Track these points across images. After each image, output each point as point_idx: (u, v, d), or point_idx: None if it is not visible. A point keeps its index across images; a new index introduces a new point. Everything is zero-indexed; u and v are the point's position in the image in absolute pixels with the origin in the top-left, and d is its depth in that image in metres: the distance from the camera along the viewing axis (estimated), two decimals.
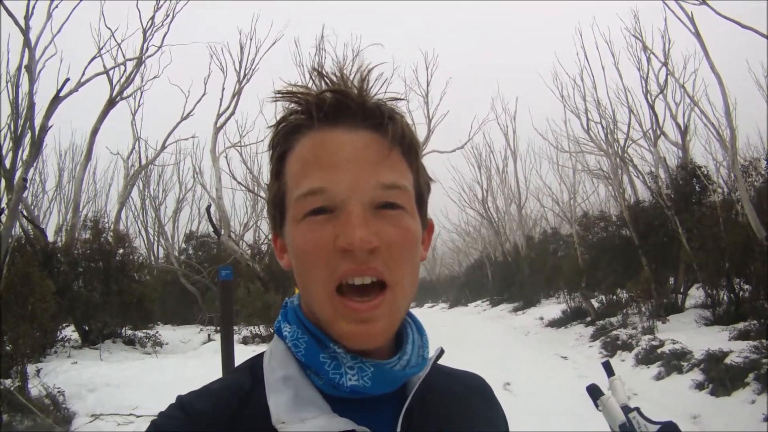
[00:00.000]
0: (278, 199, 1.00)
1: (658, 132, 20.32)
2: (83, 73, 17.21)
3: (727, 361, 9.81)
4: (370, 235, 0.88)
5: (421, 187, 1.03)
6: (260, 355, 1.03)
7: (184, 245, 32.15)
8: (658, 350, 12.26)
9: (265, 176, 25.21)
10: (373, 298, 0.90)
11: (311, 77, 1.00)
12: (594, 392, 1.48)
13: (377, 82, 0.99)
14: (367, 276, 0.90)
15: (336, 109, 0.95)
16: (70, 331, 16.65)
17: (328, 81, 0.97)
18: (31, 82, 14.69)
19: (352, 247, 0.87)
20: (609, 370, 1.58)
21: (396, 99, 1.00)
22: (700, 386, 9.83)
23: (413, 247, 0.96)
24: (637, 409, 1.34)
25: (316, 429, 0.87)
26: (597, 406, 1.45)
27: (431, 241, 1.11)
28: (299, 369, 0.95)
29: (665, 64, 18.88)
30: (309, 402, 0.91)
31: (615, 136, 22.04)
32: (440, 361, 1.12)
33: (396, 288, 0.92)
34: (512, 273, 35.99)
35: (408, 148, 0.98)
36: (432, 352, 1.07)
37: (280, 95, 1.00)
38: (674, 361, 11.28)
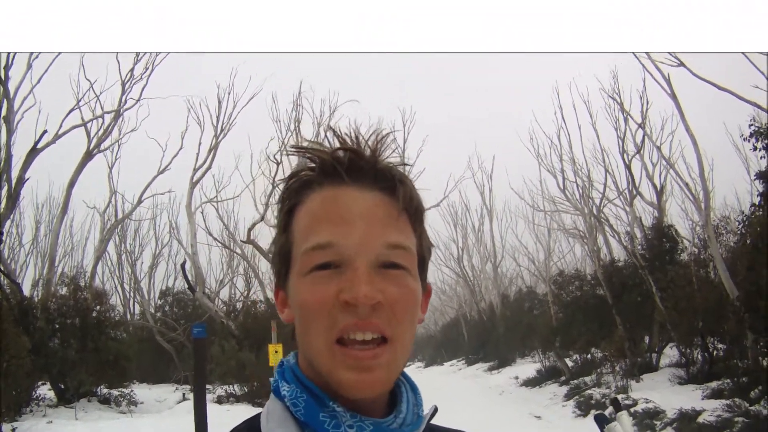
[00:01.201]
0: (284, 252, 0.99)
1: (634, 192, 20.44)
2: (60, 125, 17.32)
3: (700, 419, 9.78)
4: (374, 291, 0.88)
5: (424, 250, 1.01)
6: (257, 417, 1.00)
7: (160, 302, 31.72)
8: (632, 409, 12.18)
9: (241, 233, 25.19)
10: (374, 348, 0.89)
11: (325, 135, 1.00)
12: (601, 420, 1.55)
13: (389, 146, 0.99)
14: (369, 332, 0.89)
15: (349, 168, 0.95)
16: (45, 390, 16.42)
17: (342, 141, 0.97)
18: (9, 133, 14.67)
19: (355, 302, 0.87)
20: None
21: (404, 164, 1.01)
22: None
23: (414, 306, 0.95)
24: None
25: None
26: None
27: (428, 305, 1.08)
28: (297, 428, 0.93)
29: (642, 125, 19.09)
30: None
31: (590, 195, 22.21)
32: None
33: (396, 343, 0.91)
34: (488, 332, 35.92)
35: (415, 211, 0.98)
36: (426, 410, 1.05)
37: (294, 150, 1.01)
38: (647, 420, 11.24)
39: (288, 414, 0.94)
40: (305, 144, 0.98)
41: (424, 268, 1.03)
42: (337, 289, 0.88)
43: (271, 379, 1.03)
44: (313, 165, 0.97)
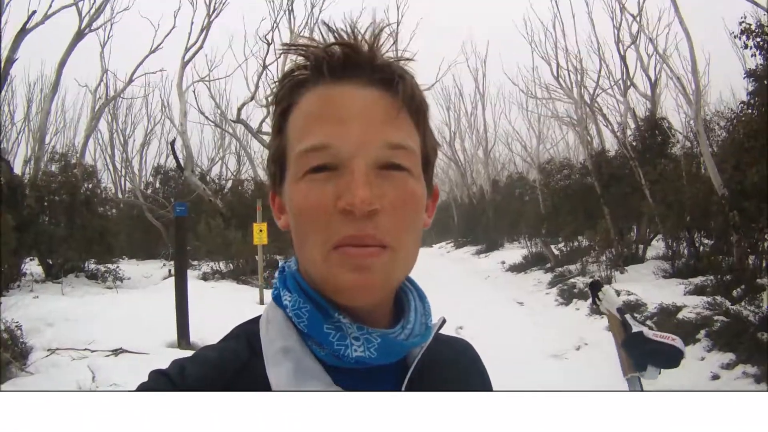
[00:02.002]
0: (278, 155, 0.95)
1: (628, 83, 20.24)
2: (50, 5, 17.08)
3: (680, 315, 9.87)
4: (372, 196, 0.83)
5: (428, 150, 0.98)
6: (253, 323, 0.97)
7: (150, 179, 32.07)
8: None
9: (233, 112, 25.05)
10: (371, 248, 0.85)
11: (319, 31, 0.95)
12: (594, 286, 1.69)
13: (387, 42, 0.93)
14: (367, 242, 0.84)
15: (344, 65, 0.90)
16: (34, 266, 16.76)
17: (337, 36, 0.92)
18: None
19: (352, 208, 0.82)
20: (598, 285, 1.76)
21: (406, 59, 0.96)
22: None
23: (417, 212, 0.92)
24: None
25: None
26: (598, 297, 1.66)
27: (435, 208, 1.07)
28: (299, 339, 0.90)
29: (636, 17, 18.69)
30: (310, 374, 0.87)
31: (584, 84, 22.01)
32: None
33: (398, 251, 0.87)
34: (477, 216, 36.20)
35: (417, 109, 0.93)
36: (434, 320, 1.03)
37: (286, 47, 0.98)
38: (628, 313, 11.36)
39: (289, 324, 0.92)
40: (297, 39, 0.91)
41: (430, 170, 0.99)
42: (334, 195, 0.84)
43: (274, 280, 1.00)
44: (307, 63, 0.92)
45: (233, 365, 0.89)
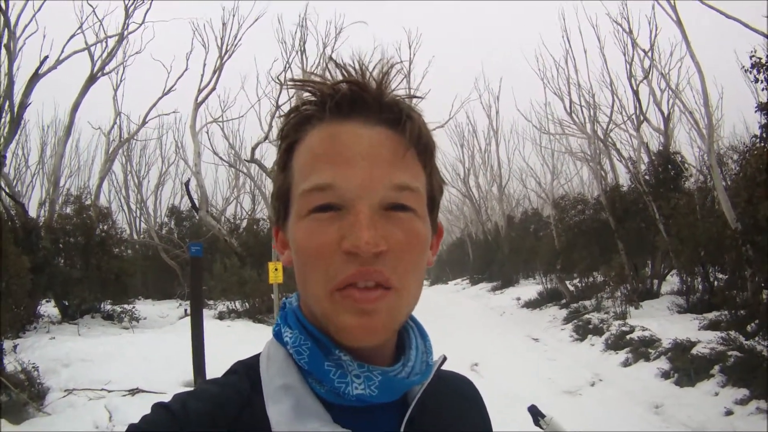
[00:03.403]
0: (283, 191, 0.95)
1: (641, 117, 20.20)
2: (62, 51, 17.34)
3: (694, 351, 9.83)
4: (377, 238, 0.83)
5: (434, 190, 0.97)
6: (255, 359, 0.97)
7: (166, 220, 32.18)
8: (628, 336, 12.31)
9: (247, 152, 25.22)
10: (376, 291, 0.84)
11: (326, 66, 0.94)
12: (535, 412, 1.51)
13: (396, 78, 0.93)
14: (372, 280, 0.84)
15: (351, 102, 0.90)
16: (50, 307, 16.72)
17: (345, 72, 0.92)
18: (11, 60, 14.81)
19: (357, 251, 0.82)
20: (537, 413, 1.57)
21: (414, 97, 0.97)
22: (665, 375, 9.87)
23: (422, 252, 0.90)
24: None
25: None
26: (540, 425, 1.48)
27: (439, 246, 1.06)
28: (300, 377, 0.90)
29: (648, 52, 18.74)
30: (310, 413, 0.86)
31: (597, 119, 22.01)
32: None
33: (402, 291, 0.87)
34: (492, 252, 36.05)
35: (424, 149, 0.93)
36: (435, 357, 1.03)
37: (293, 83, 0.96)
38: (642, 348, 11.33)
39: (290, 361, 0.92)
40: (308, 76, 0.94)
41: (435, 209, 0.99)
42: (338, 236, 0.84)
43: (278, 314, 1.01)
44: (314, 99, 0.92)
45: (235, 401, 0.89)
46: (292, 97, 20.95)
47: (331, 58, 0.94)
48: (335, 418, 0.86)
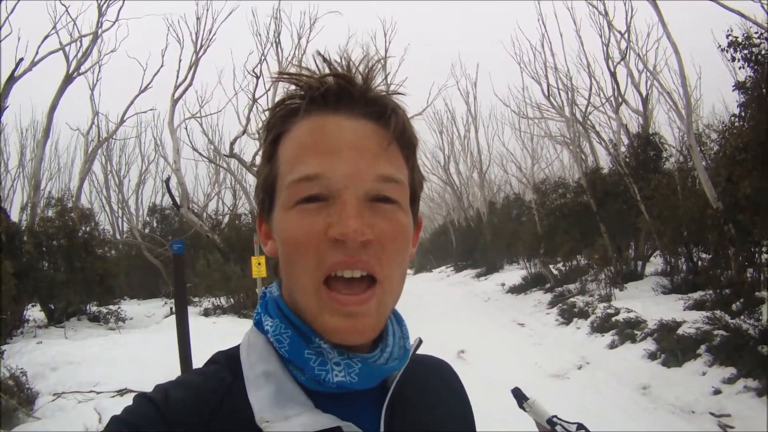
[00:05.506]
0: (268, 183, 0.96)
1: (620, 99, 20.26)
2: (36, 52, 17.23)
3: (680, 331, 9.88)
4: (364, 227, 0.85)
5: (416, 184, 1.00)
6: (235, 349, 0.98)
7: (147, 218, 32.09)
8: (613, 318, 12.37)
9: (226, 146, 25.12)
10: (362, 293, 0.87)
11: (314, 61, 0.95)
12: (518, 395, 1.51)
13: (380, 74, 0.96)
14: (358, 269, 0.87)
15: (338, 95, 0.92)
16: (36, 311, 16.68)
17: (331, 66, 0.94)
18: None
19: (345, 238, 0.84)
20: (521, 396, 1.57)
21: (398, 93, 0.98)
22: (652, 356, 9.92)
23: (405, 244, 0.93)
24: (556, 416, 1.39)
25: (300, 428, 0.84)
26: (523, 408, 1.48)
27: (418, 239, 1.07)
28: (281, 364, 0.91)
29: (625, 34, 18.68)
30: (292, 399, 0.88)
31: (575, 102, 22.03)
32: None
33: (386, 284, 0.89)
34: (475, 239, 36.12)
35: (407, 143, 0.96)
36: (411, 341, 1.06)
37: (280, 76, 0.98)
38: (628, 330, 11.38)
39: (271, 349, 0.93)
40: (286, 68, 0.96)
41: (416, 202, 1.01)
42: (325, 224, 0.86)
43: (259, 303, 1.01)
44: (301, 92, 0.93)
45: (216, 389, 0.90)
46: (269, 90, 20.98)
47: (318, 52, 0.96)
48: (316, 405, 0.88)
